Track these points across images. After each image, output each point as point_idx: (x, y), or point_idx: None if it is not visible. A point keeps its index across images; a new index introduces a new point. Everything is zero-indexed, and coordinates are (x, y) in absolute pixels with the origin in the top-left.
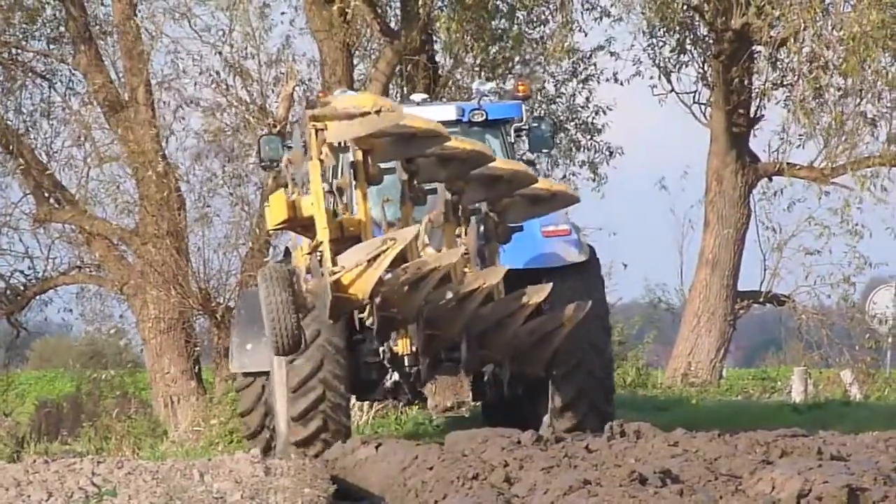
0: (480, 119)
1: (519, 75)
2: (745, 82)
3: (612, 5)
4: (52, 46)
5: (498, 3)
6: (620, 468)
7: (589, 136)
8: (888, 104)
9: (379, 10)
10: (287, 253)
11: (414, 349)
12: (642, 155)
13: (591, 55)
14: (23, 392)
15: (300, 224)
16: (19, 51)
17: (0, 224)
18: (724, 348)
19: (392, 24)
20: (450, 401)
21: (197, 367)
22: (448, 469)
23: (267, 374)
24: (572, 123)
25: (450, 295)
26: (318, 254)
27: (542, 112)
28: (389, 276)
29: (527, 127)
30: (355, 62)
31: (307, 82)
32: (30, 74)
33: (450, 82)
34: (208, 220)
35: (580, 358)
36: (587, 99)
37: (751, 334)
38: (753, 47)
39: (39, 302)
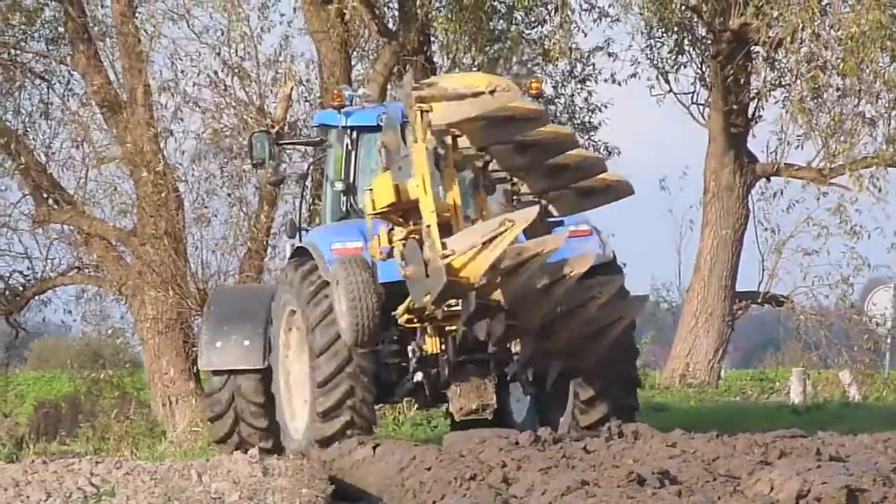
0: None
1: (516, 74)
2: (744, 83)
3: (610, 6)
4: (50, 47)
5: (496, 3)
6: (618, 469)
7: (586, 136)
8: (886, 104)
9: (377, 11)
10: (296, 252)
11: (443, 348)
12: (641, 155)
13: (589, 56)
14: (21, 392)
15: (403, 207)
16: (18, 52)
17: None
18: (723, 349)
19: (390, 25)
20: (474, 403)
21: (195, 368)
22: (446, 469)
23: (237, 374)
24: (571, 124)
25: (546, 280)
26: (415, 238)
27: None
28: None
29: None
30: (353, 62)
31: (305, 83)
32: (28, 75)
33: None
34: (206, 221)
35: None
36: (586, 100)
37: (749, 335)
38: (751, 47)
39: (38, 302)
